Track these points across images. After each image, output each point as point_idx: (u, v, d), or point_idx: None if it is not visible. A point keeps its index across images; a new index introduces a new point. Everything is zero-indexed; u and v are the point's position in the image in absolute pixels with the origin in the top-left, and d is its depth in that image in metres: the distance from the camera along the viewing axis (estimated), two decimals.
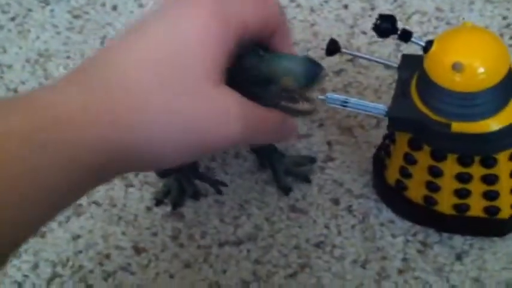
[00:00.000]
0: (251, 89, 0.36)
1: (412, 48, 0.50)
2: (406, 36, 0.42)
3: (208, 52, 0.33)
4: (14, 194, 0.28)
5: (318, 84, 0.37)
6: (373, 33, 0.58)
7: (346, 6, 0.61)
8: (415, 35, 0.57)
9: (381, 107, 0.42)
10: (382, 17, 0.42)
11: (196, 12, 0.34)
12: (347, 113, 0.54)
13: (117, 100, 0.31)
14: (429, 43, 0.40)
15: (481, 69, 0.39)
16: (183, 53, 0.33)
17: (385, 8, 0.60)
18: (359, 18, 0.60)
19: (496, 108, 0.40)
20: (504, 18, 0.57)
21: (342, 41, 0.58)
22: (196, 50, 0.33)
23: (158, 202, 0.51)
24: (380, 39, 0.58)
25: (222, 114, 0.33)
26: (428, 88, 0.40)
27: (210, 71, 0.33)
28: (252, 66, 0.36)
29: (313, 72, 0.36)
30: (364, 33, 0.59)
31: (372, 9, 0.60)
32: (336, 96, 0.42)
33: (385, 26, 0.42)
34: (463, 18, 0.58)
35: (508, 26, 0.57)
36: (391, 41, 0.57)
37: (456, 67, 0.38)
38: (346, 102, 0.42)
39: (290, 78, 0.36)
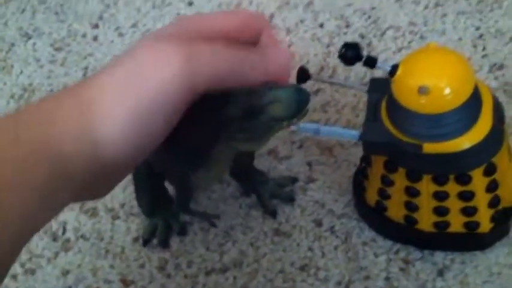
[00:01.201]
0: (243, 123, 0.37)
1: None
2: (371, 62, 0.42)
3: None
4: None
5: (304, 111, 0.38)
6: None
7: (321, 25, 0.62)
8: (389, 50, 0.59)
9: (353, 132, 0.43)
10: (347, 46, 0.43)
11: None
12: None
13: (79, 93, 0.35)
14: (394, 67, 0.41)
15: (447, 90, 0.39)
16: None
17: (360, 25, 0.60)
18: (335, 37, 0.60)
19: (465, 127, 0.40)
20: (477, 29, 0.58)
21: (318, 60, 0.59)
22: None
23: (145, 242, 0.51)
24: None
25: (158, 57, 0.34)
26: (398, 111, 0.41)
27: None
28: (242, 99, 0.37)
29: (300, 99, 0.37)
30: None
31: (347, 26, 0.61)
32: (308, 125, 0.43)
33: (350, 54, 0.42)
34: (436, 32, 0.58)
35: (480, 36, 0.57)
36: None
37: (422, 91, 0.39)
38: (319, 130, 0.43)
39: (279, 106, 0.37)
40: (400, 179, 0.43)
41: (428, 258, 0.47)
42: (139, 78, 0.34)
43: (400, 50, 0.58)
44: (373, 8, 0.61)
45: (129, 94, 0.34)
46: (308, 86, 0.57)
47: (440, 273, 0.46)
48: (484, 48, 0.56)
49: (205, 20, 0.39)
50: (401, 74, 0.40)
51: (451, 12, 0.59)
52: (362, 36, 0.60)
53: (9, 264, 0.32)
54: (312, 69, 0.58)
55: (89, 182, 0.34)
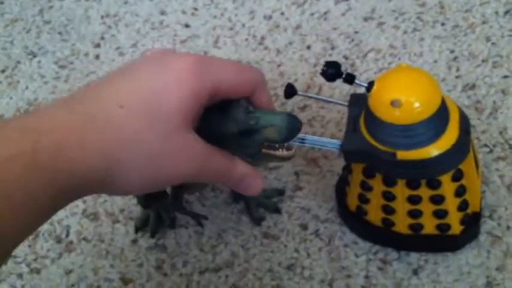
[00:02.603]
0: (240, 139, 0.42)
1: None
2: (350, 79, 0.47)
3: (182, 105, 0.39)
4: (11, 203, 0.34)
5: (295, 137, 0.43)
6: None
7: (308, 47, 0.67)
8: (371, 71, 0.63)
9: (335, 141, 0.47)
10: (329, 64, 0.47)
11: (178, 67, 0.39)
12: None
13: (105, 134, 0.37)
14: (371, 84, 0.45)
15: (417, 104, 0.43)
16: (161, 102, 0.38)
17: (344, 47, 0.65)
18: (321, 58, 0.65)
19: (434, 136, 0.45)
20: (451, 52, 0.63)
21: (305, 79, 0.64)
22: (172, 103, 0.38)
23: (137, 229, 0.55)
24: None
25: (181, 154, 0.39)
26: (374, 122, 0.45)
27: (181, 120, 0.39)
28: (241, 119, 0.42)
29: (292, 126, 0.42)
30: None
31: (332, 48, 0.66)
32: None
33: (331, 71, 0.47)
34: (414, 54, 0.63)
35: (455, 59, 0.62)
36: None
37: (394, 104, 0.43)
38: (304, 139, 0.47)
39: (273, 130, 0.42)
40: (377, 184, 0.48)
41: (404, 259, 0.51)
42: (163, 169, 0.39)
43: (380, 70, 0.62)
44: (356, 32, 0.66)
45: (149, 178, 0.39)
46: (296, 102, 0.62)
47: (415, 272, 0.50)
48: (457, 70, 0.61)
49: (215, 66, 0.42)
50: (377, 89, 0.45)
51: (427, 36, 0.64)
52: (346, 58, 0.65)
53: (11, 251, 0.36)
54: (300, 87, 0.63)
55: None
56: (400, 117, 0.44)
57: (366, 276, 0.51)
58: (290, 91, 0.49)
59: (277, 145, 0.44)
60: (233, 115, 0.42)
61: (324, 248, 0.53)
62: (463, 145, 0.45)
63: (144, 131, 0.37)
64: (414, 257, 0.51)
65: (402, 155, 0.45)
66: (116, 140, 0.37)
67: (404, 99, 0.43)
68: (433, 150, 0.44)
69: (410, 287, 0.49)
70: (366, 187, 0.49)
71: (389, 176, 0.46)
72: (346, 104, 0.49)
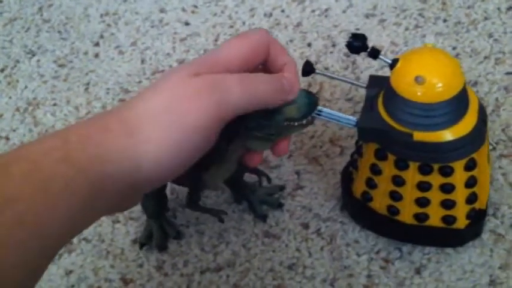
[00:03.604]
0: (261, 121, 0.42)
1: None
2: (375, 53, 0.46)
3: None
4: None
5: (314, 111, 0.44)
6: (335, 69, 0.64)
7: (309, 44, 0.66)
8: (372, 68, 0.63)
9: (351, 118, 0.47)
10: (355, 36, 0.47)
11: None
12: (313, 144, 0.59)
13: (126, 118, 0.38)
14: (395, 60, 0.45)
15: (439, 83, 0.43)
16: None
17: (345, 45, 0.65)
18: (321, 55, 0.65)
19: (452, 120, 0.44)
20: (454, 48, 0.62)
21: (306, 77, 0.63)
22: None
23: (142, 245, 0.55)
24: (341, 74, 0.63)
25: (193, 95, 0.39)
26: (394, 101, 0.45)
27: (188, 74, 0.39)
28: None
29: (311, 101, 0.43)
30: (326, 68, 0.64)
31: (333, 45, 0.65)
32: None
33: (357, 44, 0.46)
34: None
35: (457, 55, 0.62)
36: (352, 75, 0.62)
37: (418, 80, 0.43)
38: (321, 111, 0.46)
39: (293, 108, 0.42)
40: (388, 168, 0.47)
41: (406, 258, 0.51)
42: (178, 114, 0.38)
43: (382, 67, 0.62)
44: (357, 29, 0.66)
45: (170, 127, 0.38)
46: None
47: (418, 271, 0.50)
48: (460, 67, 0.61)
49: (224, 52, 0.42)
50: (401, 66, 0.45)
51: (430, 33, 0.64)
52: (347, 55, 0.64)
53: (41, 274, 0.36)
54: (301, 85, 0.62)
55: (121, 199, 0.38)
56: (421, 95, 0.44)
57: (368, 276, 0.50)
58: (308, 69, 0.49)
59: (296, 124, 0.44)
60: None
61: (325, 247, 0.52)
62: (479, 133, 0.45)
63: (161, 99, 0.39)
64: (417, 255, 0.50)
65: (419, 136, 0.44)
66: (137, 119, 0.38)
67: (427, 76, 0.43)
68: (450, 135, 0.44)
69: (413, 286, 0.49)
70: (375, 170, 0.48)
71: (403, 158, 0.46)
72: (364, 85, 0.49)
